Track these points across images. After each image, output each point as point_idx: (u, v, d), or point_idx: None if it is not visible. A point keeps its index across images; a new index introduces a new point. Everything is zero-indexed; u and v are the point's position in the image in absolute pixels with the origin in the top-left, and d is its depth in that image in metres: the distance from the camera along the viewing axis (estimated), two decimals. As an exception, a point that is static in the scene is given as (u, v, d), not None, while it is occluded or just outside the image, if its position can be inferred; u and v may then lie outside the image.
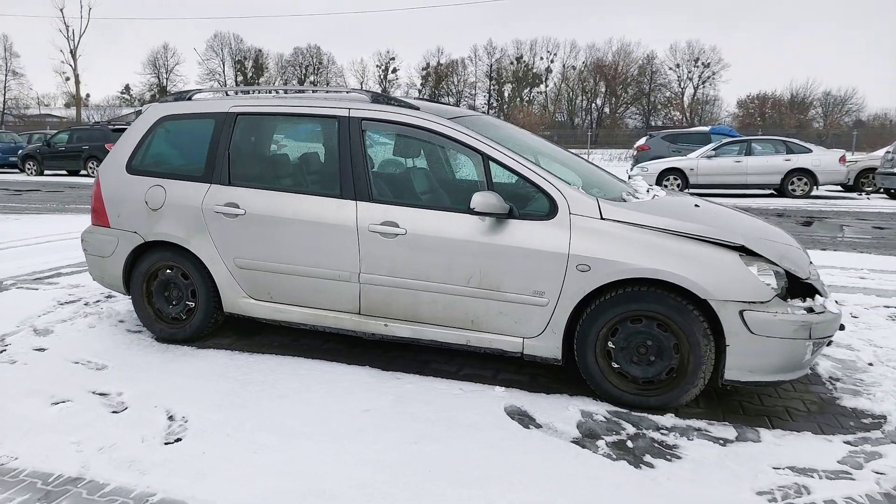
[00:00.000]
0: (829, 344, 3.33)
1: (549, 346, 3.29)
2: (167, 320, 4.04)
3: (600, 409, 3.17)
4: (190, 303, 3.95)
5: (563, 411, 3.13)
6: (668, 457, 2.74)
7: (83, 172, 19.86)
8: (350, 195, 3.52)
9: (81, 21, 49.41)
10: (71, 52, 48.22)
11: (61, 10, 53.35)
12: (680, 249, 3.05)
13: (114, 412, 3.01)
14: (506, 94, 70.09)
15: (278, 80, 69.18)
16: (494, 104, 71.10)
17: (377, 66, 71.60)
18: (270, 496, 2.35)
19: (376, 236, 3.44)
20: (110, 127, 19.78)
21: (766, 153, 14.30)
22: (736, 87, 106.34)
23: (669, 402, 3.15)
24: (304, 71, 67.99)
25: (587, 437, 2.90)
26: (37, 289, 5.24)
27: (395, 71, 71.56)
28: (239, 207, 3.70)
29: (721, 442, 2.88)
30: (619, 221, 3.17)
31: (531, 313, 3.27)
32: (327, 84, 64.05)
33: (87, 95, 54.24)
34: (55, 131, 24.48)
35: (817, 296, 3.16)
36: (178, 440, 2.76)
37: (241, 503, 2.31)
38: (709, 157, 14.61)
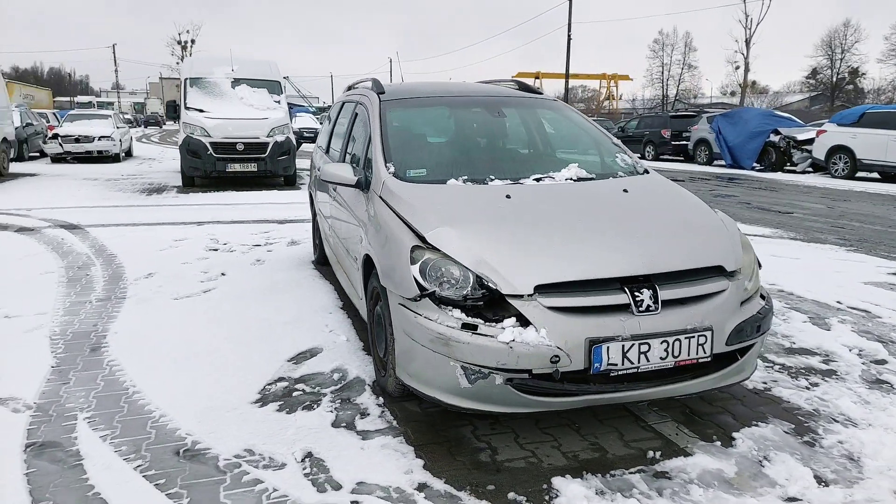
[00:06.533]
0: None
1: (365, 309, 3.76)
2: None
3: (362, 375, 3.53)
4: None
5: (326, 363, 3.68)
6: (287, 411, 3.14)
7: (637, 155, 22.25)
8: (343, 160, 4.70)
9: (762, 8, 52.00)
10: (746, 40, 51.50)
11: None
12: (389, 232, 3.13)
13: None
14: None
15: None
16: None
17: None
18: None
19: (334, 194, 4.57)
20: (669, 114, 21.77)
21: None
22: None
23: (383, 384, 3.28)
24: None
25: (298, 381, 3.47)
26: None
27: None
28: (320, 171, 5.35)
29: (343, 426, 2.98)
30: (382, 200, 3.39)
31: (357, 275, 3.82)
32: None
33: (753, 83, 57.03)
34: (630, 119, 27.77)
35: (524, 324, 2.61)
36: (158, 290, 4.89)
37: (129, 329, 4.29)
38: None
